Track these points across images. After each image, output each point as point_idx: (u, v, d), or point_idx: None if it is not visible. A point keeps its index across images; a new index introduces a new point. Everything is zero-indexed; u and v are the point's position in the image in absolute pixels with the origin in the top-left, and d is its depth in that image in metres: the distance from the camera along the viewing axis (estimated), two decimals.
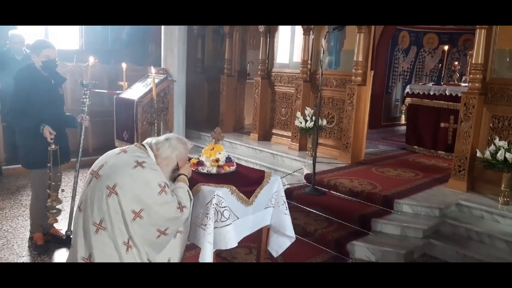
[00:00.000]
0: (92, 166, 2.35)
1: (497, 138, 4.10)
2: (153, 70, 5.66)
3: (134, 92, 6.22)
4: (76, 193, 3.74)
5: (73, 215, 3.16)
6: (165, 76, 6.52)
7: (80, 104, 3.70)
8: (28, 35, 5.78)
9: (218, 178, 2.76)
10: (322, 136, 6.00)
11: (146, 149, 2.40)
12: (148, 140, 2.49)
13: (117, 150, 2.40)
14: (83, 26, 8.15)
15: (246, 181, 2.85)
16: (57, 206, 3.48)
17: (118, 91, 6.53)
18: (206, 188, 2.59)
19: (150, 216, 2.22)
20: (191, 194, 2.48)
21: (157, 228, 2.27)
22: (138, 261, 2.22)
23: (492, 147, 4.04)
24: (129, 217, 2.18)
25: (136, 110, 5.82)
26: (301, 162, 5.65)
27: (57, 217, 3.49)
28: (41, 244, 3.59)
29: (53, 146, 3.33)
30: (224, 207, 2.52)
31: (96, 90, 6.72)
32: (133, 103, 5.85)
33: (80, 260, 2.18)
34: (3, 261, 3.36)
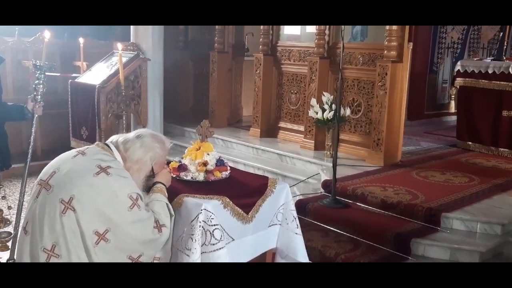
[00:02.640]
0: (41, 174, 2.36)
1: None
2: (119, 46, 5.68)
3: (95, 75, 6.24)
4: (22, 210, 3.77)
5: (17, 239, 3.19)
6: (135, 53, 6.55)
7: (24, 92, 3.73)
8: None
9: (207, 187, 2.78)
10: (345, 131, 6.01)
11: (111, 149, 2.42)
12: (114, 138, 2.51)
13: (73, 152, 2.42)
14: None
15: (244, 191, 2.87)
16: (4, 229, 3.50)
17: (74, 74, 6.55)
18: (190, 200, 2.61)
19: (118, 238, 2.24)
20: (171, 208, 2.51)
21: (128, 254, 2.30)
22: None
23: None
24: (91, 240, 2.20)
25: (98, 99, 5.84)
26: (317, 165, 5.67)
27: (7, 243, 3.51)
28: None
29: None
30: (214, 225, 2.54)
31: (47, 73, 6.77)
32: (93, 90, 5.88)
33: None
34: None
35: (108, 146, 2.44)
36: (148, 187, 2.56)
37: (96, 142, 2.50)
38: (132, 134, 2.53)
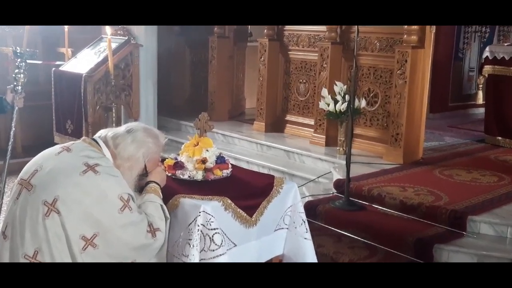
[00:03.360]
0: (21, 173, 2.37)
1: None
2: (108, 30, 5.67)
3: (82, 63, 6.25)
4: (1, 212, 3.79)
5: None
6: (126, 38, 6.54)
7: (2, 82, 3.74)
8: None
9: (206, 187, 2.79)
10: (360, 124, 6.00)
11: (99, 145, 2.43)
12: (102, 132, 2.52)
13: (57, 148, 2.43)
14: None
15: (247, 191, 2.87)
16: None
17: (57, 62, 6.56)
18: (187, 201, 2.62)
19: (107, 243, 2.25)
20: (166, 210, 2.51)
21: (119, 261, 2.30)
22: None
23: None
24: (78, 246, 2.21)
25: (84, 89, 5.85)
26: (329, 162, 5.67)
27: None
28: None
29: None
30: (214, 229, 2.55)
31: (28, 61, 6.72)
32: (80, 79, 5.89)
33: None
34: None
35: (96, 142, 2.45)
36: (141, 187, 2.57)
37: (83, 137, 2.51)
38: (122, 128, 2.54)
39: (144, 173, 2.56)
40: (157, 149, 2.57)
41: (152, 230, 2.37)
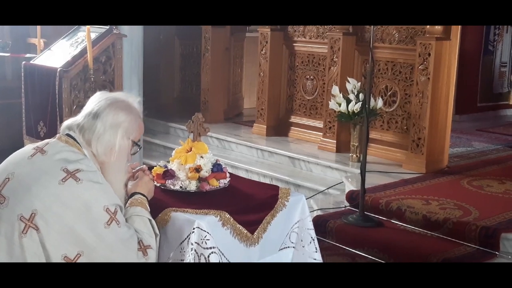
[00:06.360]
0: None
1: None
2: None
3: (56, 55, 6.25)
4: None
5: None
6: (108, 28, 6.55)
7: None
8: None
9: (200, 200, 2.78)
10: (376, 127, 6.01)
11: (77, 143, 2.38)
12: (70, 122, 2.46)
13: (29, 149, 2.39)
14: None
15: (248, 204, 2.87)
16: None
17: (28, 55, 6.57)
18: (179, 216, 2.61)
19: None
20: (155, 226, 2.51)
21: None
22: None
23: None
24: None
25: (59, 86, 5.84)
26: (340, 171, 5.68)
27: None
28: None
29: None
30: (210, 248, 2.54)
31: None
32: (54, 75, 5.89)
33: None
34: None
35: (74, 139, 2.40)
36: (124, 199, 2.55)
37: (58, 135, 2.44)
38: (84, 114, 2.48)
39: (138, 144, 2.55)
40: (134, 118, 2.51)
41: (143, 247, 2.35)
